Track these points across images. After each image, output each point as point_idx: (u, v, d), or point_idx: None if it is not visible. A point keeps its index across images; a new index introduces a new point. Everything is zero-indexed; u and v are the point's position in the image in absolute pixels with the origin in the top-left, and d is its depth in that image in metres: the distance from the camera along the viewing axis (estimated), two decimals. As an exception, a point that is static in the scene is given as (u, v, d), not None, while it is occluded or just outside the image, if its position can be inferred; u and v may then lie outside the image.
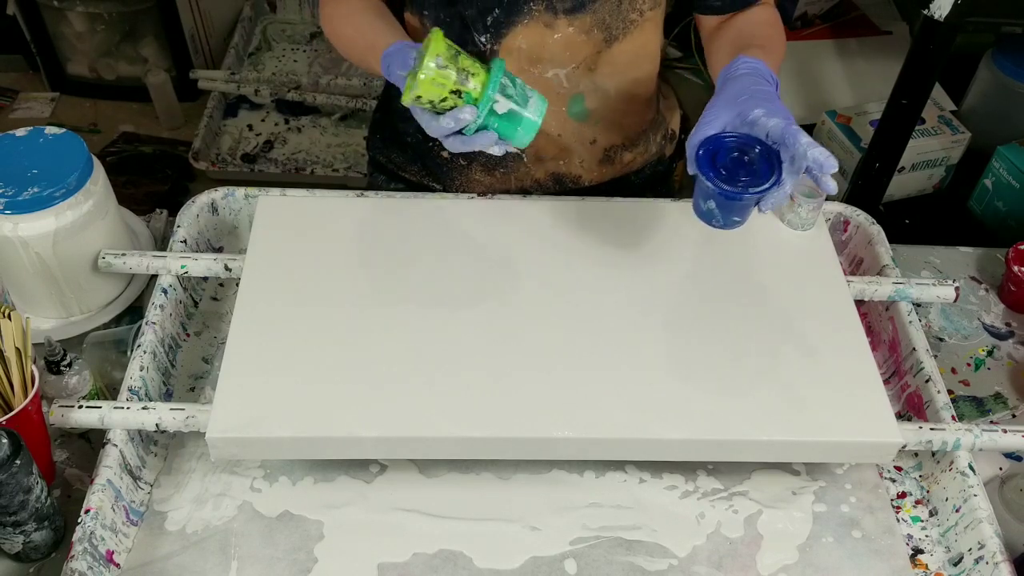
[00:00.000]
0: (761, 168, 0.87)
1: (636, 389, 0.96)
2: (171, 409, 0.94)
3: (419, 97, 0.89)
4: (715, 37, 1.11)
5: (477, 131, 0.92)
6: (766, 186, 0.86)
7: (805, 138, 0.85)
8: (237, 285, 1.05)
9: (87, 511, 0.87)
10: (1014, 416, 1.11)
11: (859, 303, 1.12)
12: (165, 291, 1.06)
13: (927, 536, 0.98)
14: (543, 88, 1.09)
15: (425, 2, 1.08)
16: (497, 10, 1.05)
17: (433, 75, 0.88)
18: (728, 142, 0.88)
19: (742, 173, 0.87)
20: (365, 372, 0.96)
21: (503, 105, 0.91)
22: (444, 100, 0.90)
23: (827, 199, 1.09)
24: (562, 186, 1.21)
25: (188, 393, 1.06)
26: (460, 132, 0.92)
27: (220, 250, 1.20)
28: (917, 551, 0.97)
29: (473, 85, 0.90)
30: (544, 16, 1.05)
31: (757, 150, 0.87)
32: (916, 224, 1.70)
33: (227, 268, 1.09)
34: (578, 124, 1.15)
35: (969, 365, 1.17)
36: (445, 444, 0.93)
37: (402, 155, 1.27)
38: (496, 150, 0.94)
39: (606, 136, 1.18)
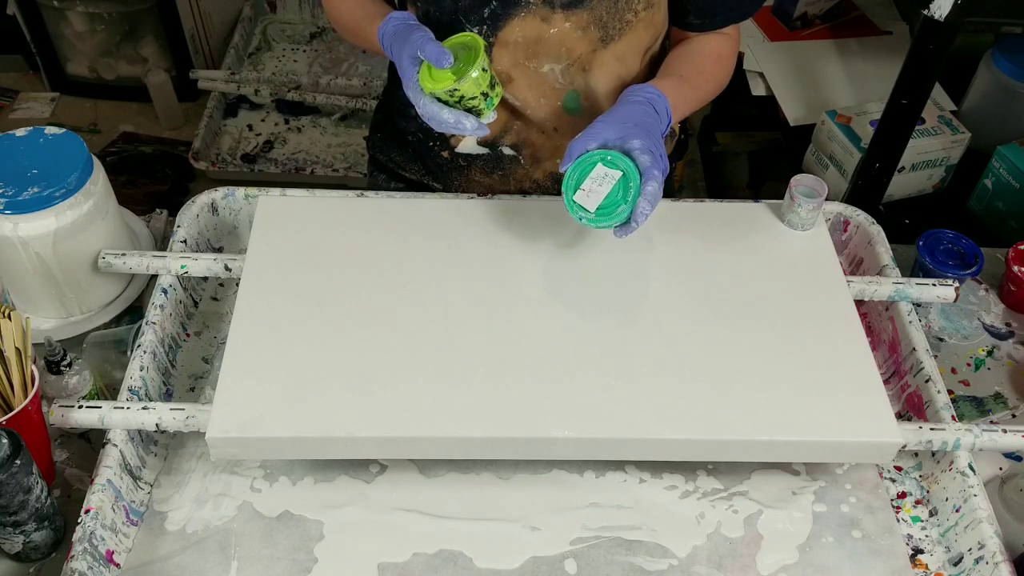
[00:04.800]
0: (967, 251, 1.21)
1: (636, 389, 0.96)
2: (171, 409, 0.94)
3: (455, 90, 0.96)
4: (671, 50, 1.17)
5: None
6: (974, 270, 1.19)
7: (651, 186, 0.95)
8: (237, 285, 1.05)
9: (87, 511, 0.87)
10: (1014, 416, 1.11)
11: (859, 303, 1.12)
12: (165, 291, 1.06)
13: (927, 536, 0.98)
14: (538, 83, 1.11)
15: None
16: (495, 2, 1.05)
17: (478, 76, 0.97)
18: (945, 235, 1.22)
19: (949, 260, 1.20)
20: (365, 372, 0.96)
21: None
22: (474, 99, 0.99)
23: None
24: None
25: (188, 393, 1.06)
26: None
27: (220, 250, 1.20)
28: (917, 551, 0.97)
29: (497, 91, 1.00)
30: (541, 10, 1.06)
31: (963, 242, 1.21)
32: (916, 224, 1.70)
33: (227, 268, 1.09)
34: (574, 119, 1.15)
35: (969, 365, 1.17)
36: (445, 444, 0.93)
37: (402, 154, 1.27)
38: (469, 133, 1.01)
39: None
